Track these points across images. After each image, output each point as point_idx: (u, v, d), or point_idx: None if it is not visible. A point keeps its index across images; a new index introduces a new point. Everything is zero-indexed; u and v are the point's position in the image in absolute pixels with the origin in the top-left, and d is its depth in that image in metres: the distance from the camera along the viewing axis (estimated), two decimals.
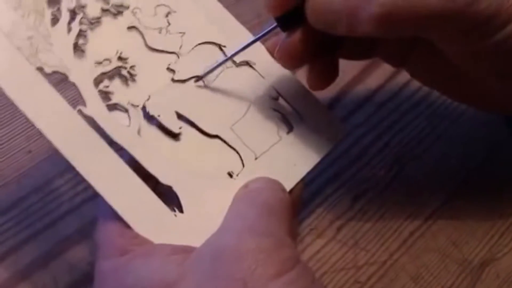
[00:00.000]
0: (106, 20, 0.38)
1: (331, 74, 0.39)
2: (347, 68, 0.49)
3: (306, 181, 0.39)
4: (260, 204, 0.33)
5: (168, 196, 0.34)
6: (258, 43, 0.39)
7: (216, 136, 0.37)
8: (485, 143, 0.47)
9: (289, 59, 0.37)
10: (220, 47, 0.40)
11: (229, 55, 0.39)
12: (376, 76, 0.51)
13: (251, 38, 0.39)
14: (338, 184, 0.44)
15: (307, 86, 0.40)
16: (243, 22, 0.41)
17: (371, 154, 0.46)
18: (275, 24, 0.36)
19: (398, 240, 0.42)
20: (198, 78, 0.38)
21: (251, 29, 0.41)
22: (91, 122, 0.34)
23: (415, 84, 0.49)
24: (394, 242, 0.42)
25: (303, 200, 0.41)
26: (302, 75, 0.40)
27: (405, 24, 0.31)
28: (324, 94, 0.44)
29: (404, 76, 0.49)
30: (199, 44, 0.40)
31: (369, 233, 0.42)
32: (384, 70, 0.50)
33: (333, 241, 0.41)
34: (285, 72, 0.40)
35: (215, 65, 0.38)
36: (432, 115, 0.49)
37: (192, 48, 0.40)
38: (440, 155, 0.46)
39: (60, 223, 0.41)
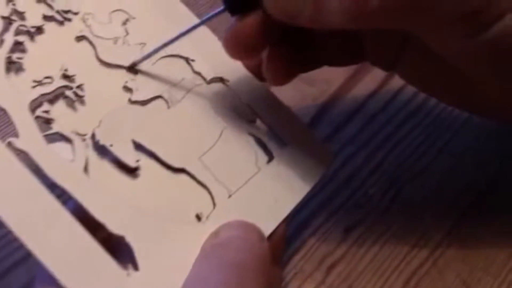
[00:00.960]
0: (50, 28, 0.32)
1: (292, 65, 0.34)
2: (332, 76, 0.44)
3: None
4: (229, 265, 0.27)
5: (121, 250, 0.28)
6: None
7: (182, 170, 0.31)
8: (495, 157, 0.41)
9: (239, 49, 0.32)
10: (187, 60, 0.35)
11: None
12: (365, 84, 0.45)
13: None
14: (326, 215, 0.38)
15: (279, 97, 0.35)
16: (219, 32, 0.36)
17: (363, 176, 0.40)
18: (222, 7, 0.31)
19: (399, 281, 0.36)
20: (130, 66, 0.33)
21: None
22: (25, 158, 0.28)
23: (409, 91, 0.44)
24: (395, 283, 0.35)
25: (286, 237, 0.35)
26: (283, 94, 0.35)
27: (380, 13, 0.27)
28: (307, 107, 0.38)
29: (395, 82, 0.44)
30: (163, 57, 0.34)
31: (365, 273, 0.36)
32: (373, 77, 0.45)
33: (323, 285, 0.35)
34: (264, 90, 0.35)
35: (148, 52, 0.33)
36: (430, 126, 0.43)
37: (154, 62, 0.34)
38: (442, 173, 0.41)
39: (8, 276, 0.35)
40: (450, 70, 0.31)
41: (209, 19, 0.32)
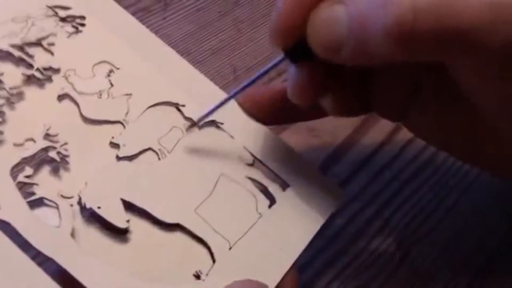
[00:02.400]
0: (30, 92, 0.30)
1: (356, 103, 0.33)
2: (337, 128, 0.43)
3: None
4: None
5: None
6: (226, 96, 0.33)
7: (177, 226, 0.30)
8: (504, 216, 0.40)
9: (303, 95, 0.31)
10: (177, 107, 0.33)
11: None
12: (370, 137, 0.44)
13: (222, 94, 0.33)
14: (331, 275, 0.36)
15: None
16: (219, 78, 0.35)
17: (369, 236, 0.39)
18: (282, 56, 0.30)
19: None
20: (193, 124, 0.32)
21: (228, 85, 0.34)
22: (7, 228, 0.26)
23: (415, 146, 0.43)
24: None
25: None
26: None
27: (432, 42, 0.24)
28: (312, 158, 0.38)
29: (401, 136, 0.43)
30: (150, 106, 0.32)
31: None
32: (378, 130, 0.44)
33: None
34: (261, 130, 0.34)
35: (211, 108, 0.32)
36: (438, 184, 0.42)
37: (142, 113, 0.32)
38: (451, 233, 0.39)
39: None
40: (460, 122, 0.30)
41: (272, 67, 0.30)
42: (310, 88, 0.30)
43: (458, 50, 0.25)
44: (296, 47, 0.29)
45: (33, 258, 0.25)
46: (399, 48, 0.25)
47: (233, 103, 0.34)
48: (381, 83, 0.33)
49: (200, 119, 0.32)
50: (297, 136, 0.39)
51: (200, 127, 0.33)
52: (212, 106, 0.32)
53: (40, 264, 0.25)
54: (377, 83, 0.33)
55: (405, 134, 0.40)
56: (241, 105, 0.34)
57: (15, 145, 0.28)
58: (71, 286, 0.26)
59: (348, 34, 0.26)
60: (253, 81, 0.31)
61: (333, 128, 0.39)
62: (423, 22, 0.24)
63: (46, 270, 0.25)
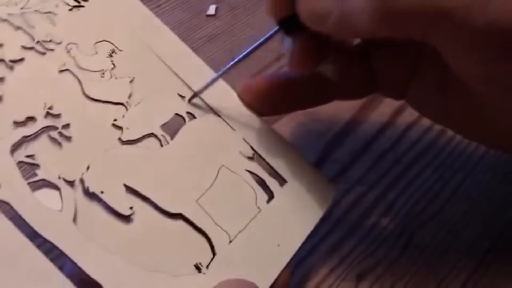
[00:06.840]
0: (30, 61, 0.29)
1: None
2: (338, 112, 0.42)
3: (296, 260, 0.32)
4: None
5: None
6: (228, 87, 0.33)
7: (179, 215, 0.29)
8: (510, 198, 0.39)
9: (301, 64, 0.32)
10: (179, 94, 0.33)
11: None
12: (372, 121, 0.43)
13: (221, 83, 0.33)
14: (337, 260, 0.36)
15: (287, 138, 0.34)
16: (216, 65, 0.35)
17: (374, 219, 0.38)
18: (277, 28, 0.31)
19: None
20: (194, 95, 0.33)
21: (226, 71, 0.33)
22: (7, 209, 0.25)
23: (419, 127, 0.43)
24: None
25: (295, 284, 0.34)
26: (288, 130, 0.33)
27: (413, 19, 0.25)
28: (313, 144, 0.38)
29: (403, 119, 0.42)
30: (153, 91, 0.32)
31: None
32: (380, 113, 0.44)
33: None
34: (261, 123, 0.34)
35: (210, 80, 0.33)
36: (442, 165, 0.41)
37: (145, 97, 0.31)
38: (457, 216, 0.39)
39: None
40: (462, 98, 0.30)
41: (268, 38, 0.32)
42: (306, 57, 0.31)
43: (442, 30, 0.25)
44: (289, 19, 0.30)
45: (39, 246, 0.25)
46: (380, 23, 0.25)
47: (234, 96, 0.34)
48: (383, 61, 0.34)
49: (201, 91, 0.32)
50: (297, 122, 0.38)
51: (202, 116, 0.32)
52: (212, 77, 0.32)
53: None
54: (379, 61, 0.34)
55: (406, 117, 0.40)
56: (240, 98, 0.34)
57: (15, 122, 0.27)
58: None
59: (333, 5, 0.27)
60: (250, 52, 0.32)
61: (334, 113, 0.39)
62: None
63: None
